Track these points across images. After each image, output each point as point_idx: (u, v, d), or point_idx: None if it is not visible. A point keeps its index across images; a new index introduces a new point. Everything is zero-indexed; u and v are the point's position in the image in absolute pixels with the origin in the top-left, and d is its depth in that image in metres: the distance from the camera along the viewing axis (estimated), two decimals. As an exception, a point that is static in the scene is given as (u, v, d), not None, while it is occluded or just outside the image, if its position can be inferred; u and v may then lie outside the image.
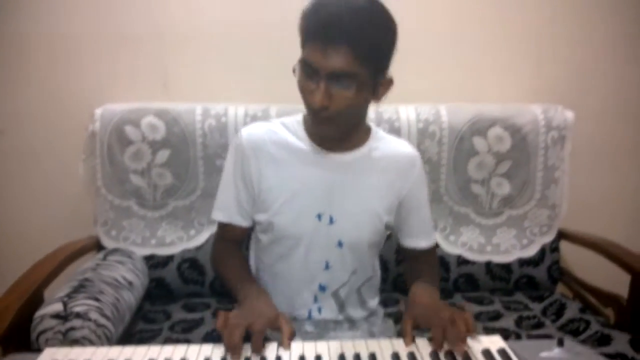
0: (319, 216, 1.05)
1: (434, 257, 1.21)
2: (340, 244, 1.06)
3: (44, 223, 1.69)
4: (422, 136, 1.50)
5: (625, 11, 1.66)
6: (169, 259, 1.49)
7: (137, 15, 1.57)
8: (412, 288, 1.04)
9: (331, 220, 1.05)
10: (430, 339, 0.87)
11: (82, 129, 1.50)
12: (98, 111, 1.47)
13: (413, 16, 1.61)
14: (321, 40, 0.88)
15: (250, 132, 1.08)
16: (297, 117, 1.10)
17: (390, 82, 0.99)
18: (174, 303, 1.48)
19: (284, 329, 0.88)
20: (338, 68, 0.88)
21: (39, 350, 0.86)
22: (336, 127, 0.96)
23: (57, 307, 1.07)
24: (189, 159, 1.47)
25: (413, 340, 0.88)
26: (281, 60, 1.62)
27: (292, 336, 0.88)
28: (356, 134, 1.06)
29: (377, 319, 1.19)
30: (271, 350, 0.85)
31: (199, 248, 1.49)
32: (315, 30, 0.89)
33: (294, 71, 0.95)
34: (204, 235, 1.50)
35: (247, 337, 0.85)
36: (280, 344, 0.86)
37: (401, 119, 1.50)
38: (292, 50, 1.56)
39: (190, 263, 1.49)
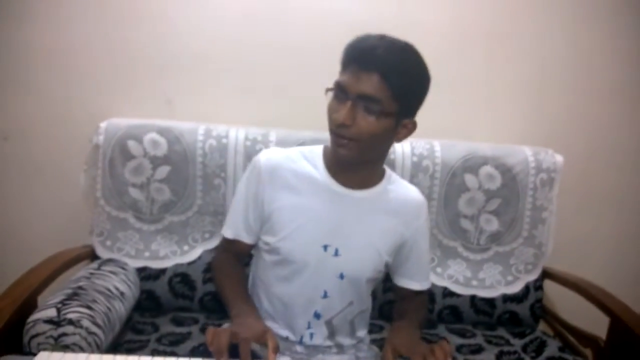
0: (325, 247, 1.08)
1: (423, 298, 1.25)
2: (341, 276, 1.09)
3: (42, 230, 1.72)
4: (416, 170, 1.55)
5: (618, 58, 1.74)
6: (161, 272, 1.51)
7: (146, 35, 1.63)
8: (392, 325, 1.10)
9: (336, 253, 1.08)
10: None
11: (85, 141, 1.54)
12: (103, 125, 1.52)
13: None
14: (357, 65, 0.96)
15: (269, 156, 1.12)
16: (317, 148, 1.15)
17: (413, 126, 1.05)
18: (163, 316, 1.49)
19: (269, 343, 0.91)
20: (366, 91, 0.95)
21: (30, 354, 0.88)
22: (353, 152, 1.00)
23: (51, 312, 1.09)
24: (188, 176, 1.51)
25: None
26: (283, 86, 1.70)
27: (276, 350, 0.91)
28: (372, 173, 1.11)
29: (364, 344, 1.22)
30: None
31: (191, 263, 1.52)
32: (353, 57, 0.97)
33: (326, 92, 1.02)
34: (197, 252, 1.53)
35: (235, 354, 0.88)
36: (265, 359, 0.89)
37: (396, 152, 1.56)
38: (294, 76, 1.64)
39: (181, 278, 1.52)
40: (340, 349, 1.17)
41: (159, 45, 1.64)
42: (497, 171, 1.57)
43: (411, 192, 1.17)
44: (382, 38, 0.98)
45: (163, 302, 1.52)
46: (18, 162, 1.69)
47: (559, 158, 1.62)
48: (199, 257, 1.52)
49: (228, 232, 1.16)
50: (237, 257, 1.20)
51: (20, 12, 1.59)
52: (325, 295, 1.11)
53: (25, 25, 1.60)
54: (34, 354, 0.89)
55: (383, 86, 0.94)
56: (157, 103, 1.68)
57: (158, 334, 1.40)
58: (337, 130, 0.98)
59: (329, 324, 1.14)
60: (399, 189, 1.15)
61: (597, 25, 1.71)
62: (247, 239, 1.15)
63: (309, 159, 1.12)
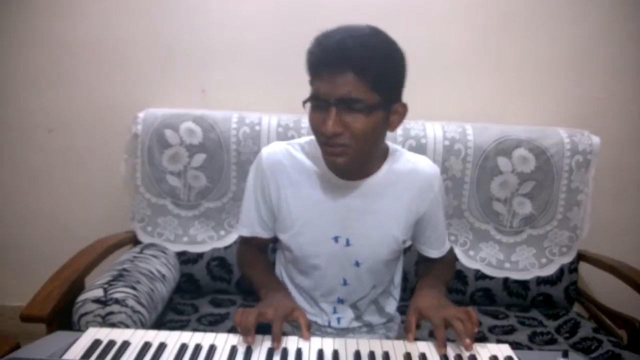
0: (336, 239, 1.08)
1: (448, 258, 1.24)
2: (357, 264, 1.10)
3: (87, 217, 1.81)
4: (448, 153, 1.55)
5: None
6: (199, 256, 1.57)
7: (182, 28, 1.68)
8: (417, 285, 1.09)
9: (348, 243, 1.08)
10: (431, 334, 0.91)
11: (125, 131, 1.60)
12: (141, 115, 1.58)
13: (443, 36, 1.68)
14: (327, 69, 0.89)
15: (270, 152, 1.10)
16: (315, 140, 1.09)
17: (403, 110, 0.99)
18: (202, 297, 1.56)
19: (300, 320, 0.94)
20: (346, 94, 0.89)
21: (80, 331, 0.93)
22: (349, 157, 0.95)
23: (98, 292, 1.16)
24: (223, 163, 1.56)
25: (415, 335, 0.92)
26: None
27: (308, 326, 0.93)
28: (371, 163, 1.05)
29: (395, 324, 1.24)
30: (292, 342, 0.91)
31: (227, 248, 1.58)
32: (321, 62, 0.91)
33: (303, 105, 0.96)
34: (233, 236, 1.58)
35: (267, 330, 0.92)
36: (300, 337, 0.92)
37: (428, 135, 1.56)
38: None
39: (219, 261, 1.58)
40: (370, 328, 1.19)
41: (194, 38, 1.69)
42: (531, 154, 1.55)
43: (420, 165, 1.09)
44: (344, 31, 0.90)
45: (202, 284, 1.58)
46: (63, 153, 1.78)
47: (595, 139, 1.59)
48: (235, 242, 1.57)
49: (244, 231, 1.15)
50: (258, 249, 1.20)
51: (62, 7, 1.66)
52: (345, 283, 1.12)
53: (66, 21, 1.67)
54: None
55: (360, 82, 0.88)
56: (192, 93, 1.73)
57: (198, 314, 1.46)
58: (330, 141, 0.93)
59: (354, 306, 1.15)
60: (405, 165, 1.08)
61: (632, 4, 1.66)
62: (263, 234, 1.14)
63: (307, 152, 1.09)
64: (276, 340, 0.89)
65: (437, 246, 1.18)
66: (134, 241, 1.58)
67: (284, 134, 1.54)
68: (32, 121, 1.75)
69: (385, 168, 1.07)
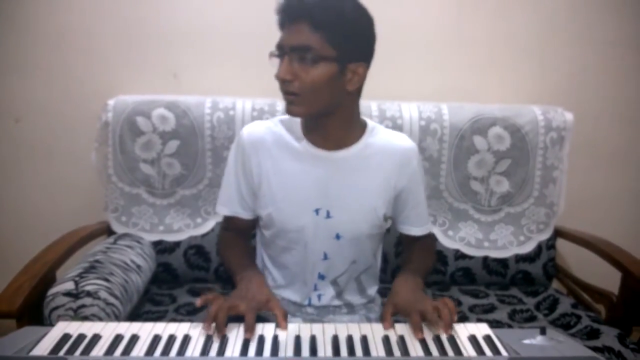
0: (317, 211, 1.09)
1: (429, 242, 1.26)
2: (338, 237, 1.11)
3: (57, 208, 1.76)
4: (424, 133, 1.54)
5: (627, 13, 1.69)
6: (176, 245, 1.55)
7: (150, 11, 1.63)
8: (396, 278, 1.10)
9: (328, 215, 1.09)
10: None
11: (94, 119, 1.56)
12: (111, 102, 1.53)
13: (416, 16, 1.66)
14: (286, 19, 0.96)
15: (251, 130, 1.12)
16: None
17: (363, 72, 1.00)
18: (180, 287, 1.54)
19: (276, 312, 0.94)
20: (297, 42, 0.94)
21: (51, 325, 0.91)
22: (304, 107, 0.99)
23: (69, 285, 1.13)
24: (197, 150, 1.53)
25: (392, 326, 0.93)
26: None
27: (285, 316, 0.93)
28: (349, 131, 1.08)
29: (375, 305, 1.24)
30: (268, 330, 0.91)
31: (204, 235, 1.55)
32: (282, 12, 0.96)
33: (270, 58, 0.99)
34: (210, 224, 1.56)
35: (241, 320, 0.90)
36: (277, 325, 0.92)
37: (404, 116, 1.55)
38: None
39: (196, 249, 1.55)
40: (351, 308, 1.19)
41: (163, 21, 1.64)
42: (506, 132, 1.56)
43: (397, 140, 1.13)
44: None
45: (179, 273, 1.56)
46: (30, 143, 1.72)
47: (568, 116, 1.59)
48: (212, 229, 1.55)
49: (224, 210, 1.16)
50: (239, 233, 1.20)
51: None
52: (325, 257, 1.12)
53: (30, 6, 1.61)
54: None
55: (313, 33, 0.93)
56: (163, 78, 1.68)
57: (175, 304, 1.44)
58: (282, 87, 0.98)
59: (334, 283, 1.16)
60: (383, 139, 1.11)
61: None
62: (243, 214, 1.15)
63: (287, 127, 1.11)
64: (249, 331, 0.88)
65: (419, 223, 1.19)
66: (108, 232, 1.54)
67: (258, 118, 1.51)
68: (-2, 111, 1.69)
69: (363, 141, 1.09)
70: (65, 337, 0.85)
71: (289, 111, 1.00)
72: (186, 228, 1.56)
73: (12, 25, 1.62)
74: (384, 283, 1.27)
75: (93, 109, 1.58)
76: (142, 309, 1.39)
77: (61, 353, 0.81)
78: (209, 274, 1.57)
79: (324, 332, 0.91)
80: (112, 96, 1.55)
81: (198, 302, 0.93)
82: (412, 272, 1.11)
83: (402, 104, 1.58)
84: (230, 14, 1.64)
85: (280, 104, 1.54)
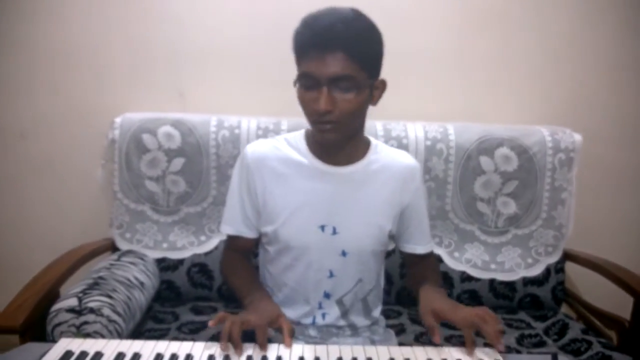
0: (322, 227, 1.08)
1: (433, 262, 1.26)
2: (344, 254, 1.10)
3: (63, 225, 1.75)
4: (430, 153, 1.54)
5: (634, 31, 1.69)
6: (179, 262, 1.54)
7: (158, 31, 1.65)
8: (421, 290, 1.08)
9: (334, 231, 1.08)
10: (417, 339, 0.91)
11: (101, 136, 1.57)
12: (118, 120, 1.54)
13: (423, 37, 1.67)
14: (318, 49, 0.94)
15: (255, 149, 1.13)
16: (299, 133, 1.15)
17: (384, 85, 1.04)
18: (183, 305, 1.52)
19: (284, 327, 0.92)
20: (337, 72, 0.94)
21: (54, 342, 0.90)
22: (340, 133, 1.00)
23: (72, 302, 1.12)
24: (202, 168, 1.53)
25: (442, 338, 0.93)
26: (293, 76, 1.70)
27: (292, 334, 0.92)
28: (355, 147, 1.10)
29: (379, 327, 1.22)
30: (272, 350, 0.89)
31: (208, 254, 1.54)
32: (312, 42, 0.95)
33: (295, 85, 1.01)
34: (213, 242, 1.55)
35: (251, 338, 0.89)
36: (281, 344, 0.90)
37: (409, 136, 1.54)
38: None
39: (199, 268, 1.54)
40: (355, 330, 1.17)
41: (169, 41, 1.66)
42: (514, 152, 1.55)
43: (401, 157, 1.15)
44: (331, 14, 0.95)
45: (182, 291, 1.54)
46: (35, 159, 1.73)
47: (577, 137, 1.59)
48: (216, 247, 1.54)
49: (228, 229, 1.16)
50: (242, 253, 1.20)
51: (35, 10, 1.62)
52: (331, 275, 1.11)
53: (39, 24, 1.63)
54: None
55: (350, 61, 0.94)
56: (170, 97, 1.69)
57: (178, 322, 1.42)
58: (318, 118, 0.97)
59: (340, 302, 1.14)
60: (386, 157, 1.13)
61: (610, -1, 1.67)
62: (247, 233, 1.14)
63: (292, 145, 1.12)
64: (262, 347, 0.88)
65: (423, 241, 1.19)
66: (113, 248, 1.54)
67: (264, 137, 1.51)
68: (4, 126, 1.70)
69: (368, 158, 1.11)
70: (68, 354, 0.84)
71: (326, 139, 1.01)
72: (190, 246, 1.55)
73: (20, 42, 1.64)
74: (388, 304, 1.25)
75: (99, 126, 1.59)
76: (144, 327, 1.37)
77: (62, 370, 0.80)
78: (212, 293, 1.55)
79: (328, 353, 0.89)
80: (119, 114, 1.56)
81: (211, 323, 0.91)
82: (432, 284, 1.11)
83: (407, 123, 1.58)
84: (236, 35, 1.66)
85: (286, 123, 1.55)
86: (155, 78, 1.69)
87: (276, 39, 1.67)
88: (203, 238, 1.56)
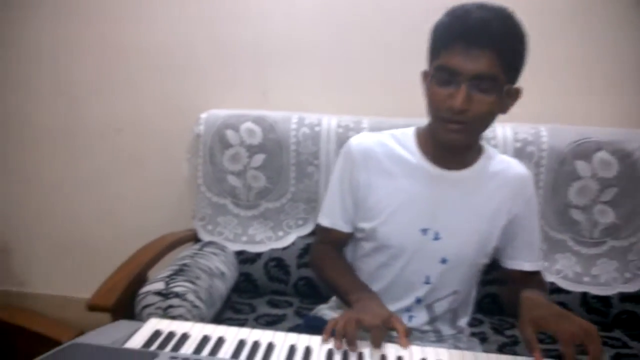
0: (424, 231, 1.03)
1: (541, 279, 1.14)
2: (443, 261, 1.04)
3: (151, 215, 1.85)
4: (519, 156, 1.44)
5: None
6: (257, 256, 1.56)
7: (243, 32, 1.69)
8: (523, 295, 0.94)
9: (436, 237, 1.03)
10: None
11: (188, 131, 1.63)
12: (203, 115, 1.60)
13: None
14: (466, 43, 0.88)
15: (361, 141, 1.09)
16: (408, 130, 1.10)
17: (518, 93, 0.97)
18: (260, 297, 1.54)
19: (398, 327, 0.89)
20: (481, 71, 0.88)
21: (142, 322, 0.93)
22: (467, 135, 0.95)
23: (160, 285, 1.16)
24: (282, 164, 1.55)
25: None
26: (374, 76, 1.69)
27: (408, 333, 0.89)
28: (471, 151, 1.05)
29: (463, 335, 1.16)
30: (391, 350, 0.87)
31: (285, 249, 1.55)
32: (461, 34, 0.89)
33: (423, 78, 0.96)
34: (291, 237, 1.56)
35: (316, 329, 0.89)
36: (398, 344, 0.88)
37: (497, 137, 1.47)
38: (384, 66, 1.62)
39: (276, 262, 1.55)
40: (439, 336, 1.12)
41: (255, 41, 1.70)
42: (614, 157, 1.43)
43: (514, 166, 1.08)
44: (484, 8, 0.89)
45: (259, 284, 1.57)
46: (130, 151, 1.84)
47: (687, 142, 1.44)
48: (293, 243, 1.55)
49: (325, 221, 1.13)
50: (335, 247, 1.16)
51: (129, 15, 1.72)
52: (427, 281, 1.06)
53: (134, 27, 1.73)
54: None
55: (497, 61, 0.87)
56: (253, 95, 1.73)
57: (255, 314, 1.44)
58: (453, 117, 0.91)
59: (429, 308, 1.09)
60: (499, 165, 1.06)
61: None
62: (343, 227, 1.11)
63: (401, 142, 1.07)
64: (377, 346, 0.86)
65: (531, 258, 1.09)
66: (195, 239, 1.59)
67: (344, 135, 1.50)
68: (103, 123, 1.82)
69: (480, 163, 1.05)
70: (157, 333, 0.87)
71: (451, 139, 0.94)
72: (268, 240, 1.57)
73: (115, 44, 1.75)
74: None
75: (187, 122, 1.65)
76: (223, 316, 1.40)
77: (152, 348, 0.83)
78: (288, 287, 1.56)
79: (451, 358, 0.86)
80: (205, 110, 1.62)
81: (325, 337, 0.87)
82: (538, 292, 0.97)
83: (496, 124, 1.50)
84: (318, 35, 1.66)
85: (366, 122, 1.53)
86: (240, 77, 1.73)
87: (358, 38, 1.69)
88: (281, 233, 1.57)
